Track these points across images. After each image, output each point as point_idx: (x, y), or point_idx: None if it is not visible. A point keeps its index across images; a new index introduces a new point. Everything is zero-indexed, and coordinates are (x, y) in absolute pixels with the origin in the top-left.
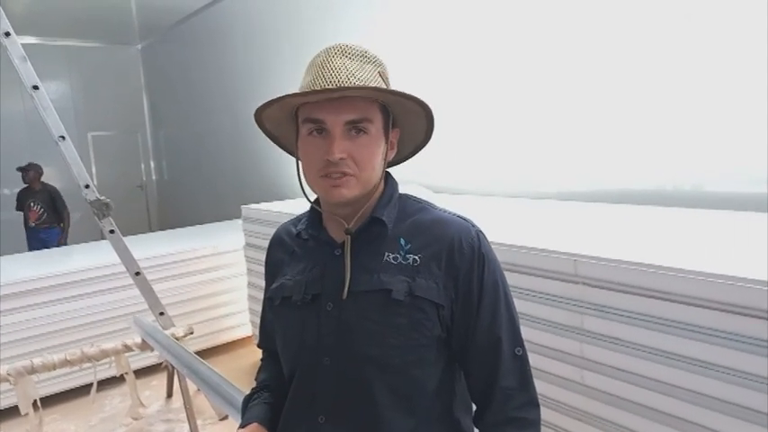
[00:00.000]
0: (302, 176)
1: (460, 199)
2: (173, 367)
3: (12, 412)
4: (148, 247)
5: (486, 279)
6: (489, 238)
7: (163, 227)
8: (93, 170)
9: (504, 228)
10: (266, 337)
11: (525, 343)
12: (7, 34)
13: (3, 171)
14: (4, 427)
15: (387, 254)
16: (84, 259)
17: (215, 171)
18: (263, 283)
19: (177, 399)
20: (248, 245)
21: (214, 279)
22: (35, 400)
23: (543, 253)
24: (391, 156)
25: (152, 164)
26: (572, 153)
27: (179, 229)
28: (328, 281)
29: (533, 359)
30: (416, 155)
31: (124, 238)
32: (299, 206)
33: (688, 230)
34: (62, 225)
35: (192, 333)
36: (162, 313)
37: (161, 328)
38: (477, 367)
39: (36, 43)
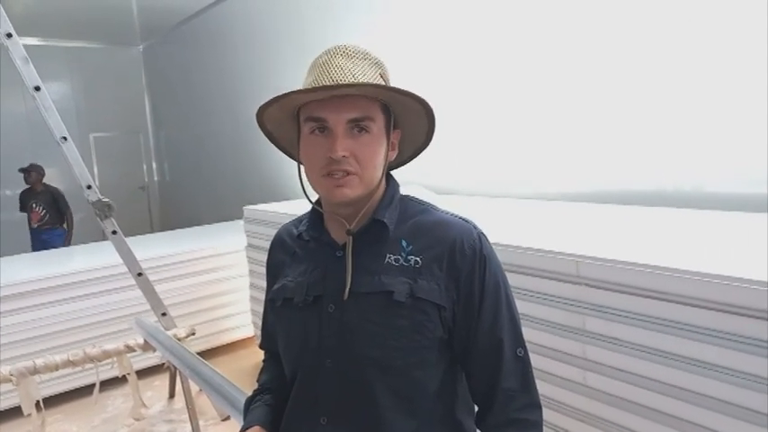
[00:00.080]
0: (303, 178)
1: (462, 200)
2: (175, 368)
3: (14, 413)
4: (150, 248)
5: (487, 280)
6: (491, 240)
7: (164, 228)
8: (95, 171)
9: (505, 229)
10: (268, 339)
11: (527, 344)
12: (9, 35)
13: (5, 172)
14: (7, 427)
15: (388, 255)
16: (86, 260)
17: (216, 172)
18: (264, 284)
19: (179, 399)
20: (250, 246)
21: (216, 280)
22: (37, 401)
23: (545, 254)
24: (392, 156)
25: (154, 165)
26: (573, 154)
27: (181, 230)
28: (330, 282)
29: (535, 360)
30: (417, 157)
31: (126, 239)
32: (300, 207)
33: (689, 231)
34: (65, 226)
35: (194, 334)
36: (164, 314)
37: (163, 328)
38: (479, 369)
39: (38, 44)
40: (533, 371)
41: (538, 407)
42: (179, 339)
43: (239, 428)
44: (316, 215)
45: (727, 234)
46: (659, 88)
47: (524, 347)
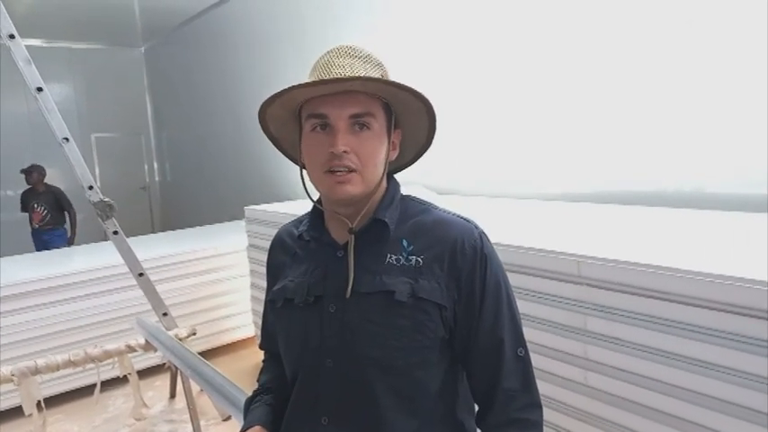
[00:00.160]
0: (305, 177)
1: (463, 200)
2: (176, 368)
3: (15, 413)
4: (151, 249)
5: (488, 280)
6: (492, 239)
7: (166, 228)
8: (97, 172)
9: (507, 229)
10: (268, 339)
11: (528, 344)
12: (11, 36)
13: (6, 173)
14: (8, 427)
15: (389, 255)
16: (87, 260)
17: (217, 173)
18: (265, 285)
19: (180, 399)
20: (251, 246)
21: (217, 280)
22: (39, 401)
23: (546, 254)
24: (393, 156)
25: (155, 165)
26: (574, 155)
27: (182, 231)
28: (331, 282)
29: (537, 360)
30: (419, 160)
31: (127, 239)
32: (301, 207)
33: (690, 231)
34: (66, 226)
35: (195, 334)
36: (165, 314)
37: (164, 328)
38: (480, 368)
39: (40, 45)
40: (534, 371)
41: (538, 407)
42: (180, 339)
43: (240, 428)
44: (316, 215)
45: (728, 234)
46: (660, 89)
47: (525, 347)
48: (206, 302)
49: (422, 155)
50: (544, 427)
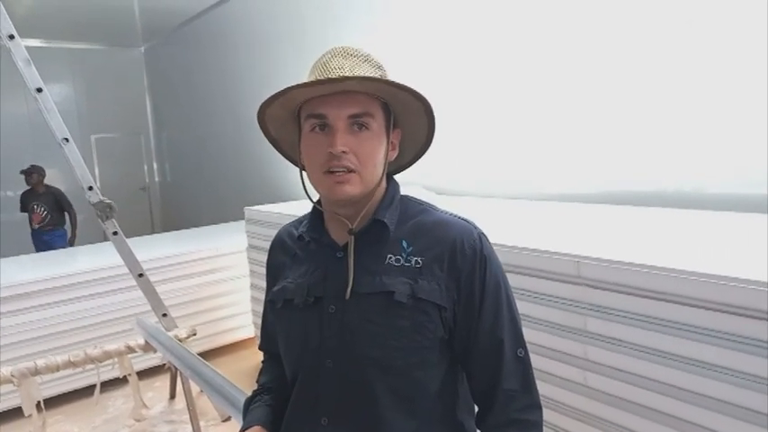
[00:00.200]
0: (305, 178)
1: (462, 201)
2: (175, 369)
3: (15, 413)
4: (151, 249)
5: (487, 281)
6: (492, 240)
7: (166, 229)
8: (97, 172)
9: (506, 229)
10: (268, 340)
11: (528, 344)
12: (11, 37)
13: (6, 173)
14: (8, 428)
15: (389, 256)
16: (87, 261)
17: (217, 173)
18: (265, 285)
19: (180, 400)
20: (251, 246)
21: (217, 281)
22: (38, 402)
23: (546, 254)
24: (392, 156)
25: (155, 166)
26: (574, 155)
27: (182, 231)
28: (330, 283)
29: (536, 361)
30: (419, 160)
31: (127, 240)
32: (301, 208)
33: (690, 232)
34: (66, 227)
35: (194, 334)
36: (165, 315)
37: (164, 329)
38: (480, 369)
39: (40, 46)
40: (534, 371)
41: (538, 407)
42: (180, 340)
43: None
44: (316, 216)
45: (728, 235)
46: (660, 89)
47: (525, 348)
48: (206, 303)
49: (421, 155)
50: (544, 428)
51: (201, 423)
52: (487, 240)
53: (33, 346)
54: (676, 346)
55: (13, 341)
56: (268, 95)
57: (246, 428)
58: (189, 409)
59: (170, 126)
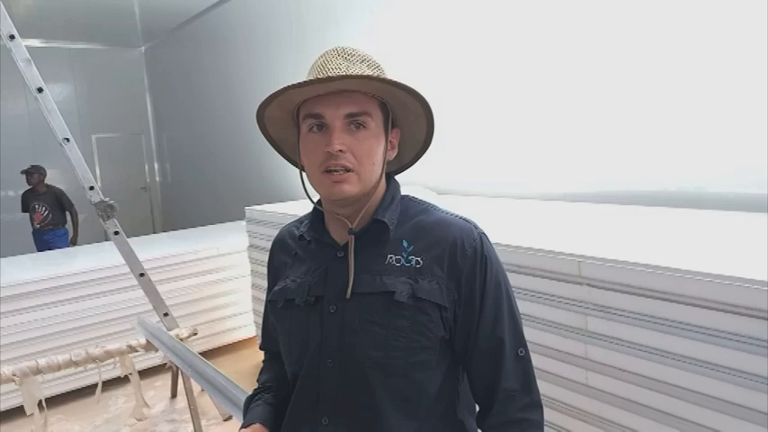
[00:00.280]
0: (305, 179)
1: (463, 200)
2: (177, 368)
3: (17, 412)
4: (152, 249)
5: (488, 281)
6: (493, 240)
7: (166, 228)
8: (98, 172)
9: (508, 229)
10: (268, 339)
11: (529, 344)
12: (12, 37)
13: (7, 173)
14: (10, 427)
15: (389, 256)
16: (88, 261)
17: (218, 173)
18: (266, 285)
19: (181, 399)
20: (252, 246)
21: (218, 280)
22: (40, 401)
23: (547, 254)
24: (391, 156)
25: (156, 166)
26: (576, 155)
27: (183, 231)
28: (331, 283)
29: (538, 360)
30: (419, 160)
31: (128, 240)
32: (302, 207)
33: (692, 231)
34: (67, 226)
35: (196, 334)
36: (166, 314)
37: (165, 328)
38: (480, 369)
39: (40, 46)
40: (535, 371)
41: (539, 407)
42: (181, 339)
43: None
44: (317, 216)
45: (730, 234)
46: (662, 89)
47: (525, 347)
48: (207, 303)
49: (422, 155)
50: (545, 428)
51: (203, 422)
52: (488, 240)
53: (35, 345)
54: (678, 346)
55: (15, 340)
56: (268, 95)
57: (246, 426)
58: (190, 408)
59: (170, 126)
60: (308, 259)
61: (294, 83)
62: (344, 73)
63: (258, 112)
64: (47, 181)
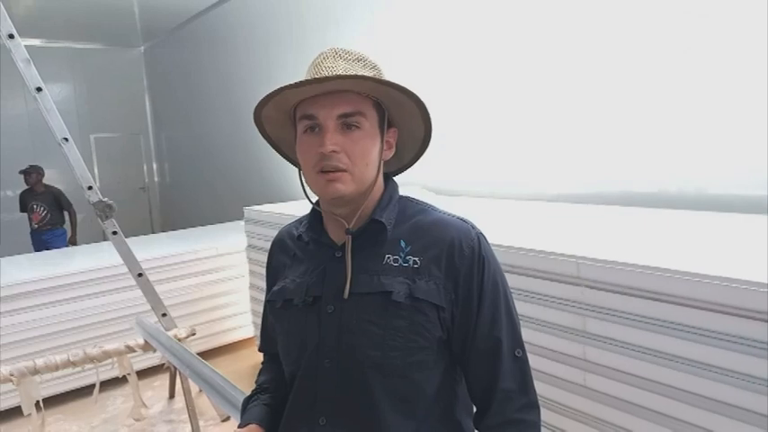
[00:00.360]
0: (304, 179)
1: (462, 201)
2: (175, 368)
3: (14, 413)
4: (151, 249)
5: (486, 281)
6: (491, 240)
7: (165, 228)
8: (96, 172)
9: (506, 230)
10: (267, 341)
11: (527, 345)
12: (11, 36)
13: (5, 173)
14: (7, 427)
15: (387, 256)
16: (86, 260)
17: (216, 173)
18: (265, 285)
19: (179, 400)
20: (250, 246)
21: (216, 280)
22: (38, 401)
23: (546, 255)
24: (388, 156)
25: (154, 166)
26: (576, 155)
27: (181, 231)
28: (329, 283)
29: (536, 361)
30: (419, 160)
31: (127, 240)
32: (300, 208)
33: (691, 233)
34: (65, 226)
35: (194, 334)
36: (164, 314)
37: (163, 329)
38: (477, 369)
39: (40, 46)
40: (533, 372)
41: (536, 407)
42: (179, 340)
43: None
44: (315, 216)
45: (730, 236)
46: (662, 90)
47: (523, 348)
48: (205, 303)
49: (421, 154)
50: (543, 429)
51: (201, 423)
52: (486, 241)
53: (32, 345)
54: (676, 347)
55: (13, 340)
56: (264, 96)
57: (243, 426)
58: (188, 408)
59: (169, 126)
60: (307, 260)
61: (288, 84)
62: (339, 73)
63: (255, 112)
64: (45, 181)
